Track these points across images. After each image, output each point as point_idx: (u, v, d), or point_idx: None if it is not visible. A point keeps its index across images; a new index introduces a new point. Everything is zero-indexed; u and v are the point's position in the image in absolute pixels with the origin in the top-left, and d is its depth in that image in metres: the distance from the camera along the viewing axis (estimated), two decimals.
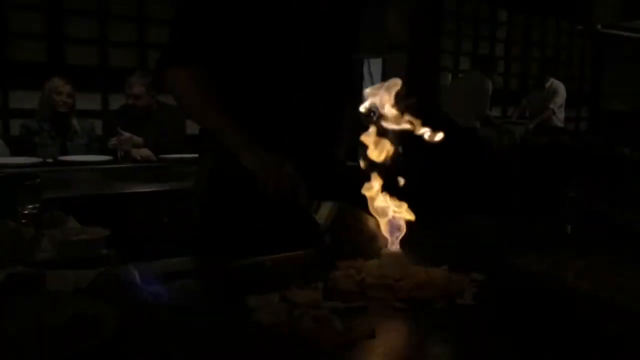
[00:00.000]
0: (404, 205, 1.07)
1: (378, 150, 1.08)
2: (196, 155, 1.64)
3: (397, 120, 1.04)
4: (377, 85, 1.05)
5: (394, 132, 1.05)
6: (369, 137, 1.09)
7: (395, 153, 1.06)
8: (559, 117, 5.89)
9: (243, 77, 1.35)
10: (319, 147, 1.46)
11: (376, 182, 1.08)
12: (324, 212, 1.13)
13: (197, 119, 1.42)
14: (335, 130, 1.51)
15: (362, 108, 1.05)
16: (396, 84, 1.05)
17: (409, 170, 1.05)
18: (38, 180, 1.57)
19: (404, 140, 1.05)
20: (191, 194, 1.50)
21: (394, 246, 1.07)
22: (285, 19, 1.36)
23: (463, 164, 3.15)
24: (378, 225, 1.09)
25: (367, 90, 1.06)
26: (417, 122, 1.03)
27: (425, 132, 1.02)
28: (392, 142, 1.07)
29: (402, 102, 1.02)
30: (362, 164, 1.10)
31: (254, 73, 1.35)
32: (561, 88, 5.87)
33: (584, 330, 0.93)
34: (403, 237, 1.07)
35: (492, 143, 4.75)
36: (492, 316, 0.98)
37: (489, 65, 5.42)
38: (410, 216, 1.07)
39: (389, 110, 1.03)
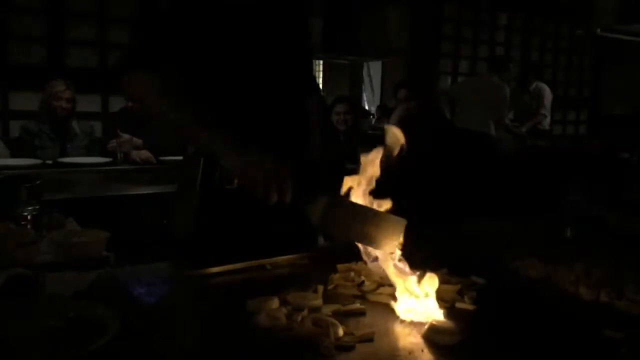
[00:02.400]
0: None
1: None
2: None
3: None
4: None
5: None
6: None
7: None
8: (547, 120, 5.89)
9: (231, 75, 1.34)
10: (301, 144, 1.45)
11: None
12: (317, 207, 1.10)
13: (165, 123, 1.39)
14: (307, 127, 1.50)
15: None
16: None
17: (412, 175, 1.05)
18: (38, 182, 1.57)
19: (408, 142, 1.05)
20: (182, 196, 1.49)
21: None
22: (272, 16, 1.37)
23: (468, 168, 3.15)
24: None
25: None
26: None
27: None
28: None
29: (403, 106, 1.02)
30: None
31: (245, 70, 1.34)
32: (546, 90, 5.78)
33: (584, 333, 0.93)
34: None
35: (503, 148, 4.65)
36: (492, 319, 0.98)
37: (504, 68, 5.00)
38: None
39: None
